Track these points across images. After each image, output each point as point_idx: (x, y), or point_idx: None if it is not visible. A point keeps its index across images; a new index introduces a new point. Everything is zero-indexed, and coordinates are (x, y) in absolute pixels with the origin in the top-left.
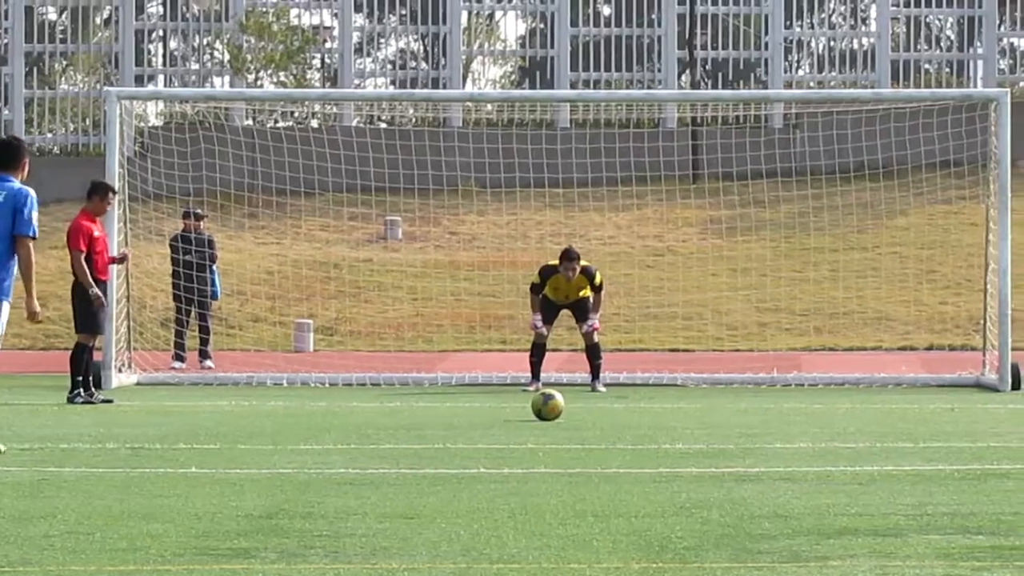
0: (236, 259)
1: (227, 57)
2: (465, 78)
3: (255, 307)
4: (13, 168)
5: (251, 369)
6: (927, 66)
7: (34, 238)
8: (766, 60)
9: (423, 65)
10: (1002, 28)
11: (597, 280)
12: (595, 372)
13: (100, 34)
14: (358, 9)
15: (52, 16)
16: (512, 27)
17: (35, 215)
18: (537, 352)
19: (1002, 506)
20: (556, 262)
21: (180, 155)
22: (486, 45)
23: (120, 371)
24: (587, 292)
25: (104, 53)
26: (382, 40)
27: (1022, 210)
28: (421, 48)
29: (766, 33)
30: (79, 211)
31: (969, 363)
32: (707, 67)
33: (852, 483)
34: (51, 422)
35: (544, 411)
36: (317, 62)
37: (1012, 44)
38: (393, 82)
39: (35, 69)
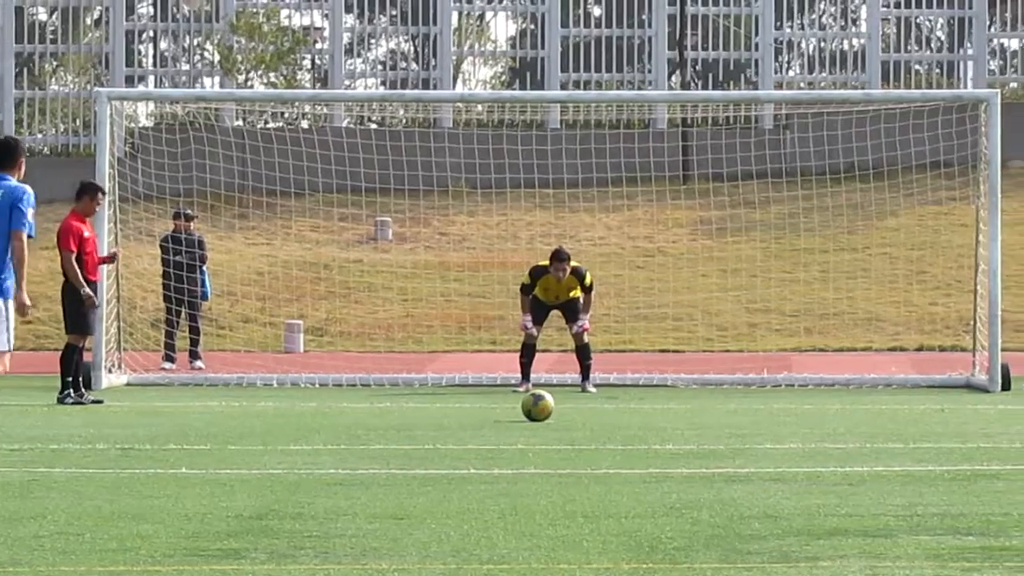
0: (226, 260)
1: (217, 58)
2: (455, 79)
3: (245, 308)
4: (10, 167)
5: (241, 370)
6: (917, 67)
7: (31, 236)
8: (756, 61)
9: (413, 66)
10: (992, 29)
11: (587, 281)
12: (585, 373)
13: (90, 35)
14: (348, 10)
15: (42, 16)
16: (502, 28)
17: (31, 212)
18: (527, 353)
19: (992, 507)
20: (546, 263)
21: (170, 156)
22: (476, 46)
23: (110, 372)
24: (577, 293)
25: (94, 54)
26: (372, 41)
27: (1012, 211)
28: (411, 49)
29: (756, 34)
30: (69, 212)
31: (959, 364)
32: (697, 68)
33: (842, 484)
34: (41, 423)
35: (534, 412)
36: (307, 63)
37: (1002, 45)
38: (383, 83)
39: (25, 69)
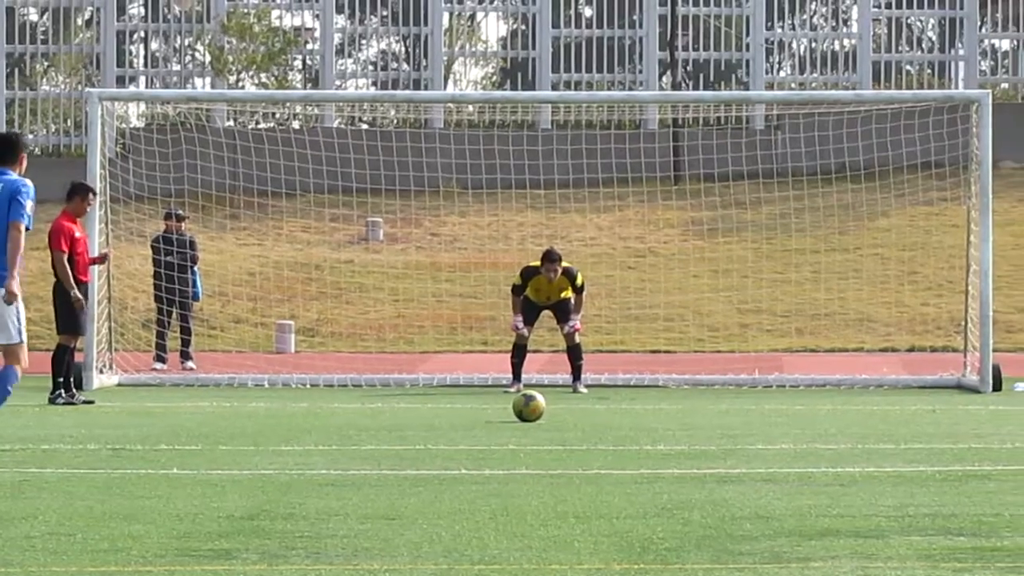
0: (218, 260)
1: (208, 58)
2: (446, 79)
3: (237, 308)
4: (11, 162)
5: (232, 370)
6: (908, 67)
7: (28, 229)
8: (747, 61)
9: (404, 66)
10: (983, 29)
11: (579, 281)
12: (576, 373)
13: (81, 35)
14: (339, 10)
15: (33, 17)
16: (494, 28)
17: (30, 204)
18: (518, 353)
19: (983, 507)
20: (538, 263)
21: (161, 156)
22: (467, 46)
23: (101, 372)
24: (569, 293)
25: (86, 54)
26: (363, 41)
27: (1003, 211)
28: (402, 49)
29: (747, 34)
30: (60, 212)
31: (950, 364)
32: (688, 68)
33: (834, 484)
34: (32, 423)
35: (525, 412)
36: (298, 63)
37: (993, 45)
38: (375, 83)
39: (16, 70)
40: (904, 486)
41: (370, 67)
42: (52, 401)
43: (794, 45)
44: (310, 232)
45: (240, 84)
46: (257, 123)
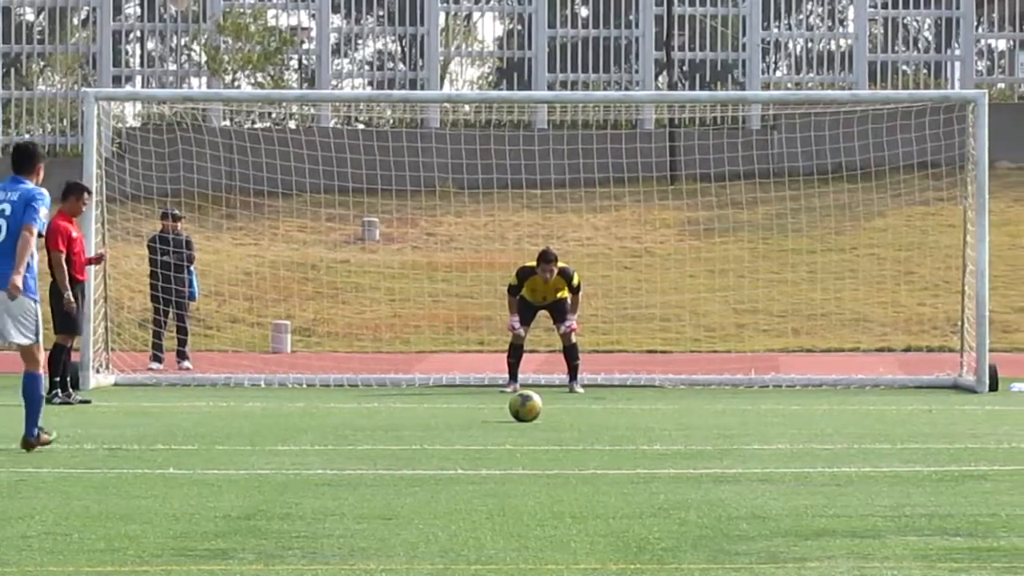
0: (214, 260)
1: (204, 58)
2: (442, 79)
3: (233, 308)
4: (28, 172)
5: (229, 370)
6: (905, 67)
7: (41, 235)
8: (743, 61)
9: (400, 66)
10: (979, 29)
11: (575, 281)
12: (573, 373)
13: (77, 35)
14: (335, 10)
15: (29, 17)
16: (489, 28)
17: (44, 211)
18: (515, 353)
19: (980, 507)
20: (534, 263)
21: (158, 156)
22: (463, 46)
23: (98, 372)
24: (565, 293)
25: (82, 54)
26: (359, 41)
27: (999, 211)
28: (398, 49)
29: (743, 34)
30: (56, 212)
31: (947, 364)
32: (684, 68)
33: (830, 484)
34: None
35: (522, 412)
36: (294, 63)
37: (989, 45)
38: (370, 83)
39: (12, 70)
40: (900, 486)
41: (366, 67)
42: (49, 401)
43: (790, 45)
44: (306, 232)
45: (236, 84)
46: (253, 123)
